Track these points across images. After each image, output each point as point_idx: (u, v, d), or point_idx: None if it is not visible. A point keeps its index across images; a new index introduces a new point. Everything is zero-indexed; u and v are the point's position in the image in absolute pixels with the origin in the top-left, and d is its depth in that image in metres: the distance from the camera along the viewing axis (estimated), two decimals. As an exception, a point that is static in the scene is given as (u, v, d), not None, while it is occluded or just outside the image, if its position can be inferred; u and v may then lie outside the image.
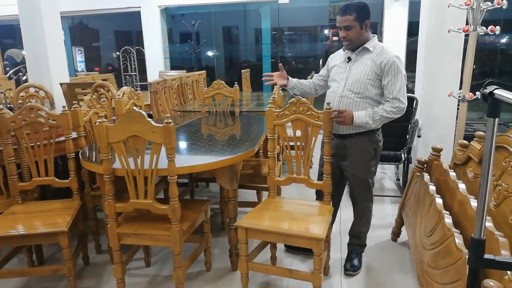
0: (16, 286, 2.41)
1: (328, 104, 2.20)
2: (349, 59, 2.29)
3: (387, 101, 2.20)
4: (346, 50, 2.34)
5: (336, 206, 2.53)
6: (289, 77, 2.54)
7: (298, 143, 2.28)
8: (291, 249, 2.68)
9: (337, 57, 2.43)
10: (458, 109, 3.18)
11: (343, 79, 2.29)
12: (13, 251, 2.46)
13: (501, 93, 0.97)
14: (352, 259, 2.48)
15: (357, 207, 2.47)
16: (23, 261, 2.63)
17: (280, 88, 2.69)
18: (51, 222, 2.20)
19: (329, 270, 2.44)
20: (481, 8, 2.75)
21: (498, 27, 2.80)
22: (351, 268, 2.44)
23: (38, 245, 2.62)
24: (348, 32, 2.21)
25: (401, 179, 3.89)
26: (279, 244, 2.52)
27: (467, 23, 2.89)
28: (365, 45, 2.25)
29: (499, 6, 2.68)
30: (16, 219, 2.26)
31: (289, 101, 2.24)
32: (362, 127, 2.25)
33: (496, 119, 1.01)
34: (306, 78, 2.68)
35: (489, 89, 1.00)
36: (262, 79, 2.62)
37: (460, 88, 3.07)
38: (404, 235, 2.78)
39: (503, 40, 7.71)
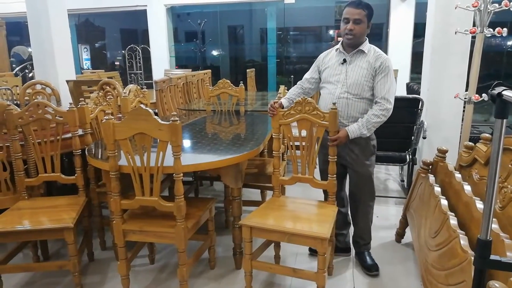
0: (21, 281, 2.43)
1: (334, 104, 2.20)
2: (344, 60, 2.32)
3: (375, 102, 2.25)
4: (339, 51, 2.36)
5: (339, 204, 2.51)
6: (282, 105, 2.43)
7: (303, 143, 2.28)
8: (315, 253, 2.63)
9: (329, 58, 2.42)
10: (464, 110, 3.17)
11: (340, 81, 2.32)
12: (19, 246, 2.48)
13: (509, 94, 0.97)
14: (366, 260, 2.47)
15: (360, 204, 2.47)
16: (28, 257, 2.65)
17: (286, 88, 2.65)
18: (57, 218, 2.22)
19: (333, 270, 2.44)
20: (489, 10, 2.74)
21: (505, 29, 2.78)
22: (373, 268, 2.42)
23: (43, 241, 2.64)
24: (357, 26, 2.23)
25: (405, 180, 3.89)
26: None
27: (474, 25, 2.88)
28: (360, 47, 2.29)
29: (506, 8, 2.67)
30: (22, 214, 2.28)
31: (295, 101, 2.24)
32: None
33: (504, 120, 1.01)
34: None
35: (497, 90, 1.00)
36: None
37: (466, 90, 3.06)
38: (408, 236, 2.78)
39: (510, 42, 7.67)
